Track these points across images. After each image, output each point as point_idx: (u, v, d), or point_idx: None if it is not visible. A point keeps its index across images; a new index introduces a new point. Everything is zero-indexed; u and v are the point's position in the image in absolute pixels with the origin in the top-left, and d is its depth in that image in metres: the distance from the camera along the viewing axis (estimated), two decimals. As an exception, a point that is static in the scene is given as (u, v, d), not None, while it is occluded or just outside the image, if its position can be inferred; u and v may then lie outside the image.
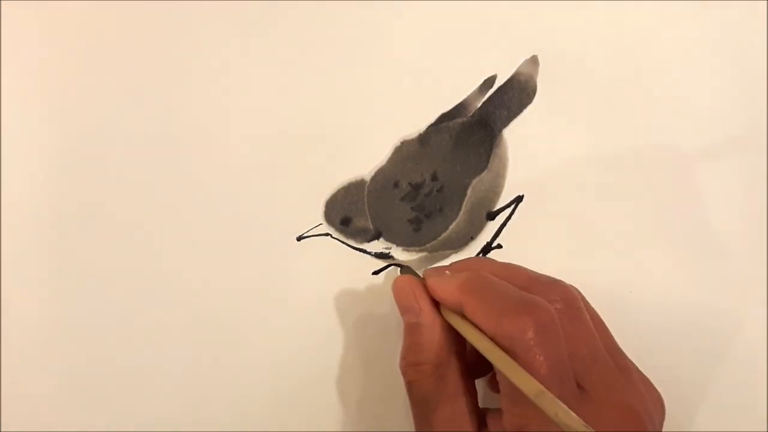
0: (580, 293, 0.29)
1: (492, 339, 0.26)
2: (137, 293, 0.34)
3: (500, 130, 0.35)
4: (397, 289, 0.31)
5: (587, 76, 0.35)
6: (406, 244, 0.35)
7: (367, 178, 0.35)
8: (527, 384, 0.24)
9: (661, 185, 0.35)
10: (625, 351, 0.30)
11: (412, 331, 0.30)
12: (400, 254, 0.35)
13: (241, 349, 0.34)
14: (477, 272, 0.29)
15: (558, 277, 0.30)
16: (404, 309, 0.30)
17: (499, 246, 0.35)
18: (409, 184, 0.35)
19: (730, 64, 0.35)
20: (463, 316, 0.28)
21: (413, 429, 0.30)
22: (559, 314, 0.27)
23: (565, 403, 0.23)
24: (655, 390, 0.29)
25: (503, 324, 0.26)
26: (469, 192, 0.35)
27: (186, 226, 0.34)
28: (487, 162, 0.35)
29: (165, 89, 0.34)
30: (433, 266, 0.33)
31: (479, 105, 0.35)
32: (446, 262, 0.35)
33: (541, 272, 0.30)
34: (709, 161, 0.35)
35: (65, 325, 0.34)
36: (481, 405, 0.30)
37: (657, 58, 0.35)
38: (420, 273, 0.32)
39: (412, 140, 0.35)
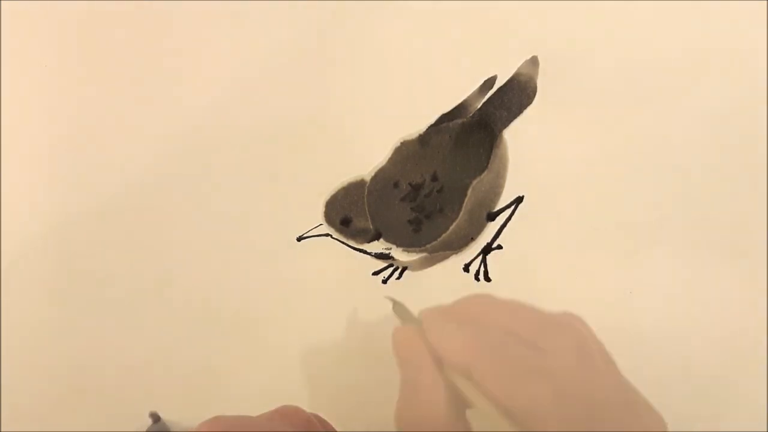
0: (587, 328, 0.28)
1: (503, 406, 0.24)
2: (137, 293, 0.34)
3: (500, 131, 0.35)
4: (397, 342, 0.28)
5: (587, 76, 0.35)
6: (406, 244, 0.35)
7: (367, 178, 0.35)
8: None
9: (661, 185, 0.35)
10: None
11: (410, 387, 0.27)
12: (400, 255, 0.35)
13: (242, 349, 0.34)
14: (485, 329, 0.27)
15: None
16: (403, 361, 0.27)
17: (500, 247, 0.35)
18: (409, 184, 0.35)
19: (730, 64, 0.35)
20: (468, 377, 0.25)
21: None
22: (573, 363, 0.26)
23: None
24: (657, 414, 0.28)
25: (518, 392, 0.24)
26: (469, 192, 0.35)
27: (186, 226, 0.34)
28: (487, 162, 0.35)
29: (165, 90, 0.34)
30: (430, 308, 0.29)
31: (479, 105, 0.35)
32: (446, 263, 0.35)
33: (546, 298, 0.28)
34: (710, 161, 0.35)
35: (65, 325, 0.34)
36: None
37: (657, 58, 0.35)
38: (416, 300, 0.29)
39: (412, 140, 0.35)
